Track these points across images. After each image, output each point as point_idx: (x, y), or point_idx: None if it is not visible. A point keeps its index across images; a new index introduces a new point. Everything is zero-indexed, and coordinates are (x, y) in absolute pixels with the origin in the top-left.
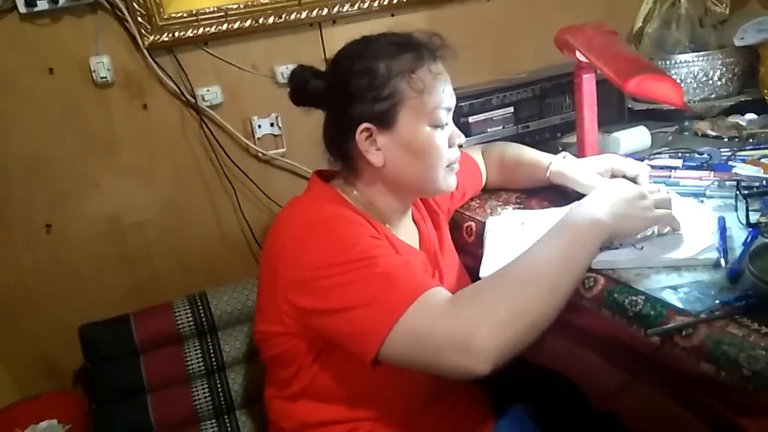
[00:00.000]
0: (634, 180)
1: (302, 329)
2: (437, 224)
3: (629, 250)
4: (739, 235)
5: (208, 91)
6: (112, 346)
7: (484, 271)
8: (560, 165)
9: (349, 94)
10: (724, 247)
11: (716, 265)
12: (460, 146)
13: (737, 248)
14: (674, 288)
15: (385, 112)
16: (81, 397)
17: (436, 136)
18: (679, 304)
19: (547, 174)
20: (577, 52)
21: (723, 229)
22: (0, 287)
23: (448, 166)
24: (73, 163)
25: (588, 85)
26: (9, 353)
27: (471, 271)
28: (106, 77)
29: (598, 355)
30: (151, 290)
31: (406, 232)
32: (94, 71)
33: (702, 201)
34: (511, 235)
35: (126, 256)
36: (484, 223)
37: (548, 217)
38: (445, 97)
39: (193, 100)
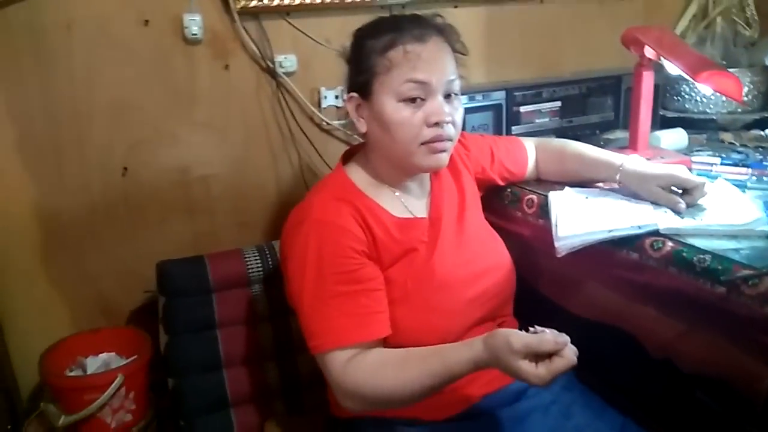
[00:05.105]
0: (689, 192)
1: None
2: (460, 185)
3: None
4: None
5: (285, 58)
6: (189, 282)
7: (562, 231)
8: (632, 166)
9: (348, 65)
10: None
11: None
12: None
13: None
14: (736, 250)
15: (363, 84)
16: (143, 333)
17: (405, 112)
18: (744, 261)
19: (617, 176)
20: (646, 48)
21: None
22: (72, 222)
23: (423, 144)
24: (155, 113)
25: (647, 81)
26: (70, 288)
27: (524, 241)
28: (196, 34)
29: (655, 307)
30: (208, 242)
31: (412, 198)
32: (186, 27)
33: (744, 191)
34: (578, 203)
35: (190, 207)
36: (546, 196)
37: (608, 192)
38: (416, 72)
39: (271, 66)
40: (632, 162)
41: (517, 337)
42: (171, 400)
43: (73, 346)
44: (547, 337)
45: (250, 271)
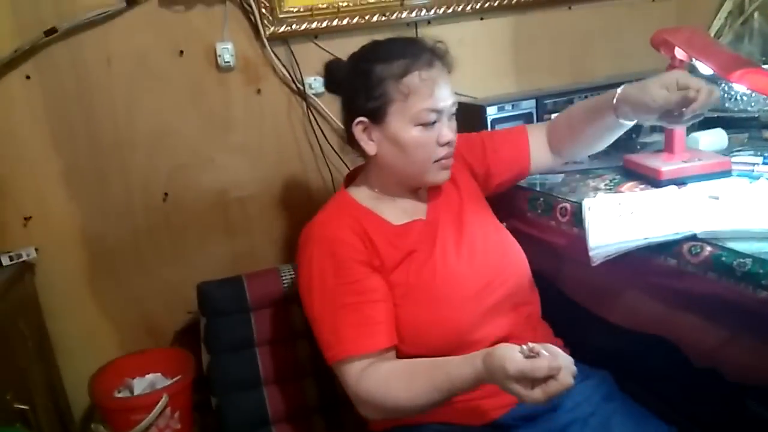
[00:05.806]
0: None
1: None
2: (456, 185)
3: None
4: None
5: (314, 80)
6: (228, 302)
7: (597, 240)
8: (627, 86)
9: (350, 90)
10: None
11: None
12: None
13: None
14: None
15: (376, 110)
16: (187, 353)
17: (421, 135)
18: None
19: (615, 97)
20: (677, 50)
21: None
22: (117, 247)
23: (436, 162)
24: (192, 139)
25: None
26: (116, 310)
27: (559, 250)
28: (229, 62)
29: (697, 315)
30: (246, 261)
31: (411, 205)
32: (219, 56)
33: None
34: (612, 212)
35: (228, 228)
36: (580, 204)
37: (643, 197)
38: (433, 99)
39: (301, 88)
40: (623, 86)
41: (512, 363)
42: (214, 419)
43: (121, 368)
44: (542, 363)
45: (286, 288)
